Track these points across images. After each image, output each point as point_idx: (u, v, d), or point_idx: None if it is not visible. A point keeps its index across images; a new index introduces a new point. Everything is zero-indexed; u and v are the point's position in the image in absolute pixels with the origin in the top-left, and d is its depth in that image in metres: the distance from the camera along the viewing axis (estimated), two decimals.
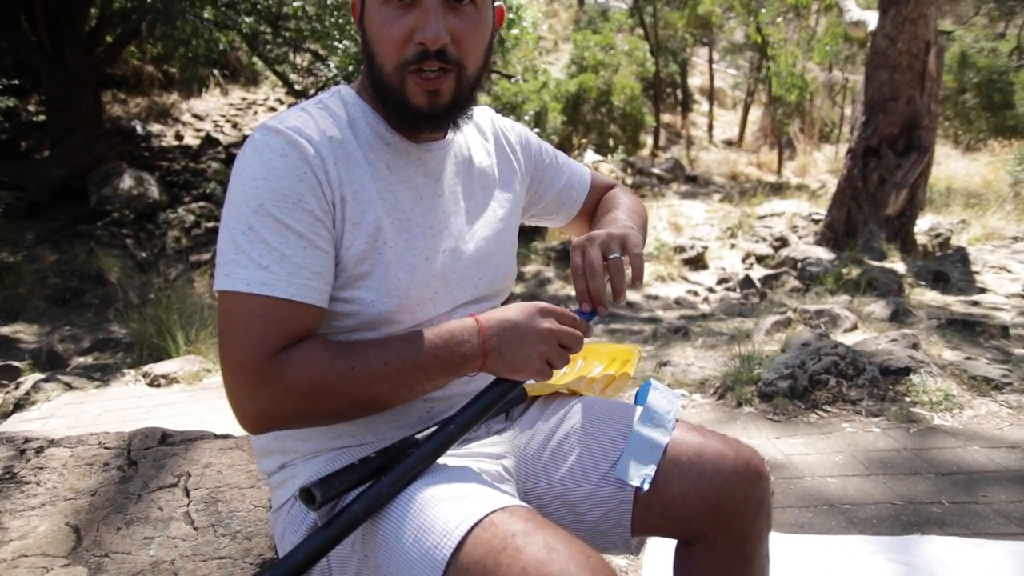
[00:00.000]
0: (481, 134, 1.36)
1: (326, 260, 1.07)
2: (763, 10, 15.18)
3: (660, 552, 2.02)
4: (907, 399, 3.30)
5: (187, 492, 1.81)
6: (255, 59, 13.28)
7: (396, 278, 1.12)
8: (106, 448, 1.98)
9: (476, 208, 1.27)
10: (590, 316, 1.17)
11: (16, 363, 5.16)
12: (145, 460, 1.93)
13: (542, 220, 1.56)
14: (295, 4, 10.79)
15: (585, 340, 1.14)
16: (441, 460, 1.13)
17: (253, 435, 1.07)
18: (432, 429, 1.11)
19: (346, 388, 1.03)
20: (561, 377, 1.48)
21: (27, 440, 2.01)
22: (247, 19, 10.30)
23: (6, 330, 6.59)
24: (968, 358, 3.78)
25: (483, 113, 1.40)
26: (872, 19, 8.52)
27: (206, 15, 9.70)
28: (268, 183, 1.03)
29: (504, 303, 1.28)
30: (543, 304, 1.13)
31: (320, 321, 1.09)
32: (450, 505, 0.99)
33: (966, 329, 4.61)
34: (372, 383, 1.04)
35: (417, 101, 1.10)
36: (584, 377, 1.46)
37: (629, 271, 1.20)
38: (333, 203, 1.08)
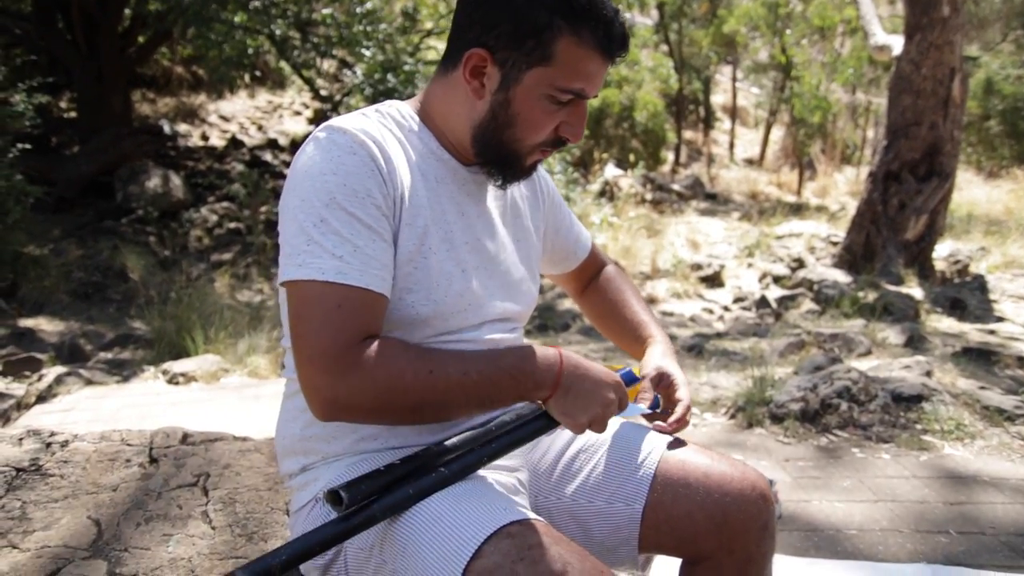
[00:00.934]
0: None
1: (391, 253, 1.12)
2: (788, 31, 15.19)
3: (665, 572, 2.05)
4: (918, 427, 3.31)
5: (206, 492, 1.85)
6: (282, 63, 13.43)
7: (436, 284, 1.17)
8: (129, 445, 2.03)
9: (509, 235, 1.33)
10: (630, 378, 1.31)
11: (39, 355, 5.26)
12: (166, 458, 1.98)
13: (543, 266, 1.62)
14: (324, 11, 10.93)
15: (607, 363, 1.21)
16: None
17: (324, 419, 1.08)
18: (456, 439, 1.15)
19: (421, 390, 1.06)
20: None
21: (53, 434, 2.07)
22: (280, 22, 10.45)
23: (30, 322, 6.70)
24: (982, 387, 3.78)
25: None
26: (897, 44, 8.50)
27: (237, 19, 9.84)
28: (338, 178, 1.08)
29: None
30: (620, 380, 1.21)
31: (386, 312, 1.13)
32: (468, 514, 1.02)
33: (981, 358, 4.60)
34: (448, 390, 1.07)
35: (530, 169, 1.24)
36: None
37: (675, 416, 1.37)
38: (394, 200, 1.13)
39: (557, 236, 1.53)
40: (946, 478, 2.88)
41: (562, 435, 1.34)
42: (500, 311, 1.28)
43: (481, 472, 1.18)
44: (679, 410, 1.35)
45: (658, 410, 1.35)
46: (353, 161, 1.09)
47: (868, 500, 2.71)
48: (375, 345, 1.05)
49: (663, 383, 1.39)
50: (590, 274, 1.65)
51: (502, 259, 1.30)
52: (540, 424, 1.19)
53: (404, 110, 1.25)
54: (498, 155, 1.21)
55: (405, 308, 1.15)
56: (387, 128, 1.20)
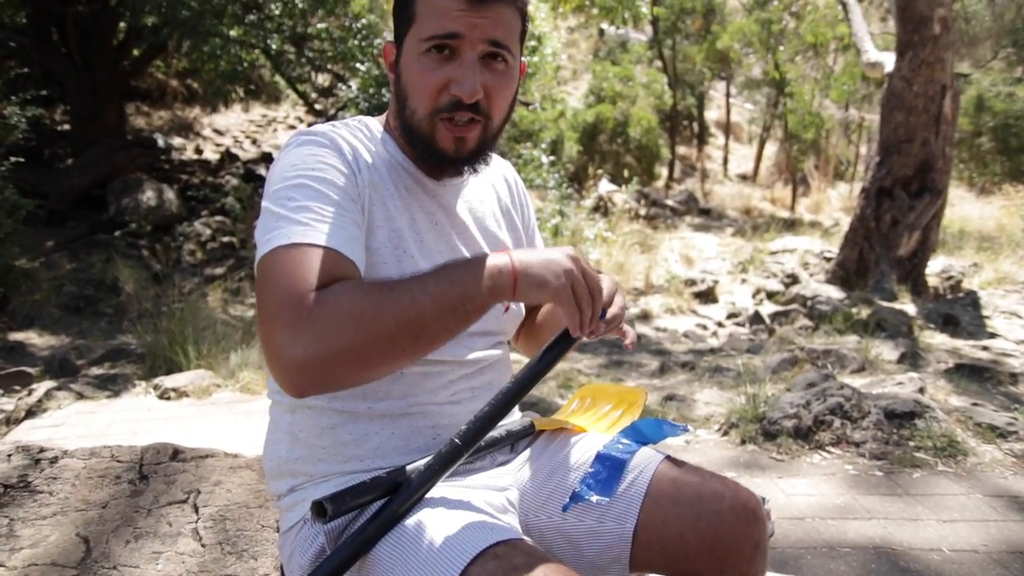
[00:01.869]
0: (500, 183, 1.44)
1: (359, 233, 1.12)
2: (781, 48, 15.29)
3: None
4: (911, 444, 3.31)
5: (196, 509, 1.84)
6: (277, 77, 13.47)
7: None
8: (119, 461, 2.02)
9: (484, 246, 1.32)
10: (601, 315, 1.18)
11: (29, 369, 5.22)
12: (156, 475, 1.97)
13: None
14: (319, 26, 10.96)
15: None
16: (446, 491, 1.16)
17: (297, 397, 1.00)
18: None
19: (389, 309, 1.00)
20: (569, 414, 1.51)
21: (42, 450, 2.05)
22: (276, 36, 10.48)
23: (20, 336, 6.66)
24: (975, 404, 3.79)
25: (506, 167, 1.49)
26: (889, 61, 8.57)
27: (233, 33, 9.87)
28: (308, 164, 1.11)
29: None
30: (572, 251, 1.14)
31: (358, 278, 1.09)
32: (454, 535, 1.02)
33: (974, 374, 4.61)
34: (414, 302, 1.02)
35: (445, 145, 1.17)
36: (591, 414, 1.49)
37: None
38: (362, 193, 1.15)
39: None
40: (939, 495, 2.87)
41: (553, 454, 1.33)
42: (480, 324, 1.25)
43: (469, 493, 1.18)
44: (613, 309, 1.24)
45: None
46: (322, 152, 1.13)
47: (861, 518, 2.70)
48: (333, 286, 1.01)
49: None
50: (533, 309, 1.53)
51: None
52: (505, 396, 1.14)
53: (372, 124, 1.27)
54: (413, 138, 1.19)
55: None
56: (361, 135, 1.23)
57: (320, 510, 1.03)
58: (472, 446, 1.13)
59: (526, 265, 1.08)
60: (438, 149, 1.18)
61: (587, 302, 1.09)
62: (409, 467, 1.14)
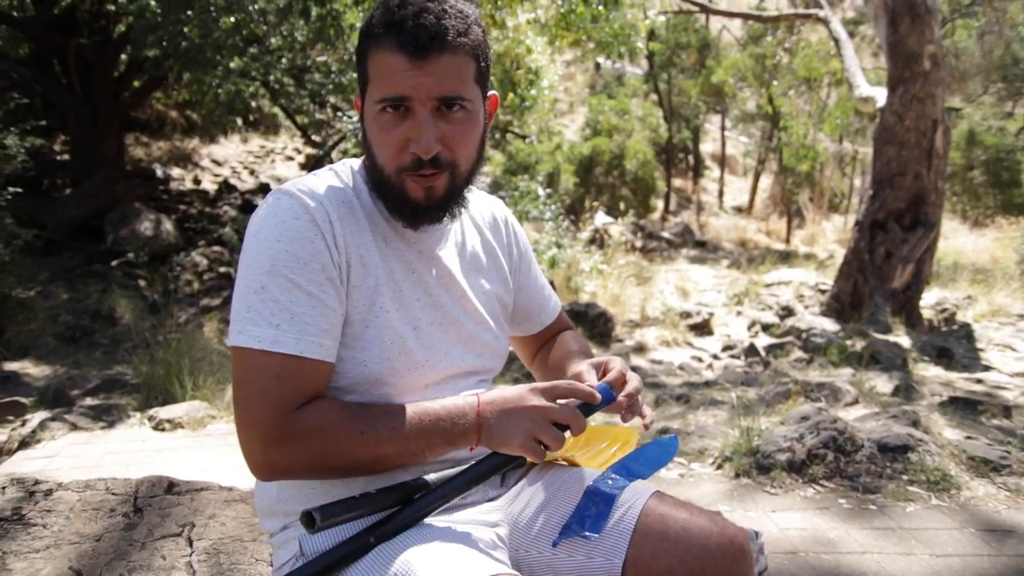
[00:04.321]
0: (484, 222, 1.45)
1: (335, 318, 1.15)
2: (775, 82, 15.48)
3: None
4: (904, 477, 3.31)
5: (190, 542, 1.84)
6: (276, 108, 13.59)
7: (389, 342, 1.21)
8: (113, 494, 2.02)
9: (467, 289, 1.35)
10: (607, 394, 1.22)
11: (23, 399, 5.21)
12: (151, 508, 1.97)
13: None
14: (319, 59, 11.09)
15: (590, 420, 1.21)
16: (436, 524, 1.18)
17: (262, 481, 1.15)
18: (435, 475, 1.20)
19: (354, 450, 1.11)
20: (561, 450, 1.52)
21: (37, 482, 2.06)
22: (276, 70, 10.60)
23: (15, 366, 6.65)
24: (968, 437, 3.79)
25: (493, 204, 1.51)
26: (881, 96, 8.69)
27: (233, 65, 10.00)
28: (281, 244, 1.12)
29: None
30: (537, 383, 1.20)
31: (330, 376, 1.17)
32: (442, 571, 1.03)
33: (968, 407, 4.61)
34: (379, 446, 1.13)
35: (416, 196, 1.19)
36: (584, 452, 1.50)
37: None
38: (340, 265, 1.17)
39: (520, 294, 1.53)
40: (933, 530, 2.88)
41: (544, 489, 1.34)
42: (462, 366, 1.31)
43: (459, 527, 1.20)
44: (631, 384, 1.26)
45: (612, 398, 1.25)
46: (297, 226, 1.13)
47: (855, 552, 2.70)
48: (308, 411, 1.11)
49: (601, 370, 1.31)
50: (546, 339, 1.62)
51: (460, 313, 1.32)
52: (493, 461, 1.21)
53: (357, 169, 1.29)
54: (384, 191, 1.21)
55: (359, 367, 1.19)
56: (339, 188, 1.23)
57: (309, 520, 1.06)
58: (452, 499, 1.19)
59: (489, 424, 1.16)
60: (410, 200, 1.20)
61: (552, 438, 1.15)
62: (400, 486, 1.17)
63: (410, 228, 1.25)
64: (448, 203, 1.23)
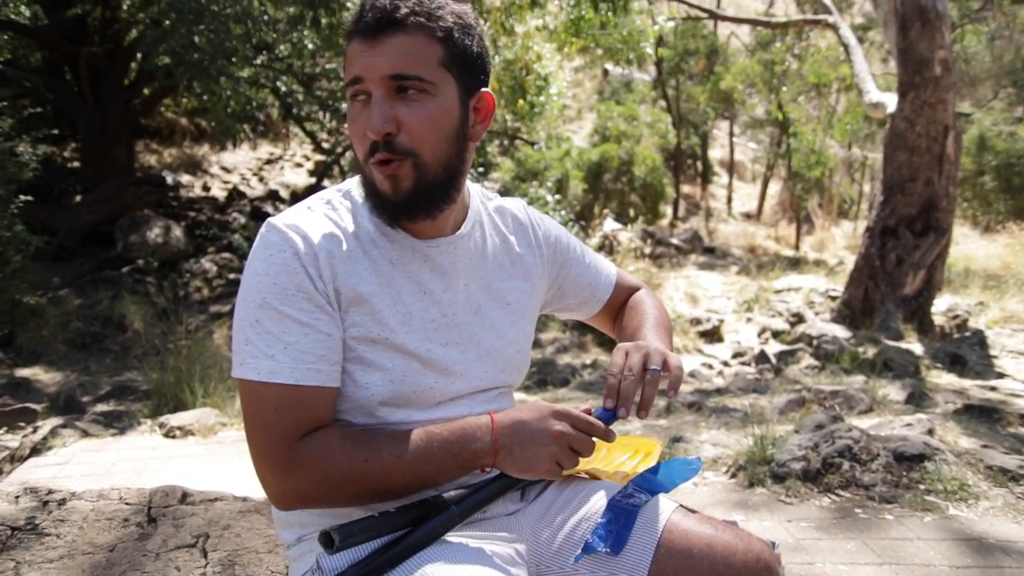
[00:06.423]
0: (505, 227, 1.41)
1: (331, 342, 1.15)
2: (784, 88, 15.46)
3: None
4: (921, 487, 3.28)
5: (205, 553, 1.83)
6: (285, 115, 13.62)
7: (394, 366, 1.19)
8: (127, 504, 2.01)
9: (488, 302, 1.33)
10: (611, 417, 1.21)
11: (34, 406, 5.22)
12: (165, 518, 1.96)
13: (563, 313, 1.61)
14: (328, 66, 11.11)
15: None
16: (453, 540, 1.17)
17: (282, 511, 1.16)
18: (454, 492, 1.18)
19: (359, 478, 1.12)
20: (583, 463, 1.50)
21: (50, 491, 2.05)
22: (284, 79, 10.63)
23: (26, 372, 6.66)
24: (984, 446, 3.76)
25: (514, 205, 1.46)
26: (891, 101, 8.66)
27: (243, 73, 10.03)
28: (269, 278, 1.13)
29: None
30: (557, 407, 1.19)
31: (334, 399, 1.17)
32: None
33: (983, 415, 4.57)
34: (385, 475, 1.13)
35: (382, 188, 1.17)
36: (605, 464, 1.49)
37: (664, 385, 1.24)
38: (329, 293, 1.16)
39: (566, 282, 1.51)
40: (951, 540, 2.84)
41: (564, 504, 1.32)
42: (480, 382, 1.30)
43: (478, 543, 1.19)
44: (673, 375, 1.24)
45: (615, 417, 1.22)
46: (281, 259, 1.13)
47: (872, 563, 2.67)
48: (310, 442, 1.12)
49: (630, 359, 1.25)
50: (618, 307, 1.60)
51: (480, 330, 1.30)
52: (510, 480, 1.19)
53: (356, 193, 1.26)
54: (366, 189, 1.21)
55: (361, 390, 1.18)
56: (331, 220, 1.20)
57: (327, 540, 1.05)
58: (468, 517, 1.17)
59: (510, 449, 1.15)
60: (379, 192, 1.17)
61: (574, 464, 1.18)
62: (419, 504, 1.16)
63: (412, 235, 1.23)
64: (421, 198, 1.17)
